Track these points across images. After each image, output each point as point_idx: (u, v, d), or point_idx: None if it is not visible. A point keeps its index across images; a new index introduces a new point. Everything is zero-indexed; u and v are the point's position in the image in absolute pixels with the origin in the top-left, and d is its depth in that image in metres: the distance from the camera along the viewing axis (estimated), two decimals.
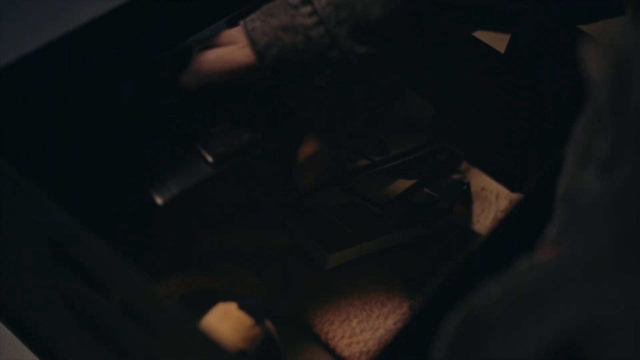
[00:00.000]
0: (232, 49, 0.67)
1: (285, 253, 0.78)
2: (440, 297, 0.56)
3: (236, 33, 0.67)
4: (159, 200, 0.65)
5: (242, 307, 0.64)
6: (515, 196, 0.86)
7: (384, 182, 0.82)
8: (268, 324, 0.66)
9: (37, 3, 0.94)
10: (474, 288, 0.47)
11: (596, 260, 0.42)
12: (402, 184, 0.81)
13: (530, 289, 0.44)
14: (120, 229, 0.67)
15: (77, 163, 0.70)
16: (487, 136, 0.90)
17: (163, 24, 0.76)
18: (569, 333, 0.40)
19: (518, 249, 0.55)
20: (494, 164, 0.90)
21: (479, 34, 0.85)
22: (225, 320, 0.63)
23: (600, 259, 0.42)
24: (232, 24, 0.70)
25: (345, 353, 0.72)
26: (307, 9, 0.64)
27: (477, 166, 0.90)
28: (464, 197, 0.86)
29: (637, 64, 0.43)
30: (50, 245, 0.59)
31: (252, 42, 0.65)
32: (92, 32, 0.69)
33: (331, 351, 0.72)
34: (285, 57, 0.64)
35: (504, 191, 0.88)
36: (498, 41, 0.85)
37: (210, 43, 0.69)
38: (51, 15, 0.92)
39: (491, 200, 0.87)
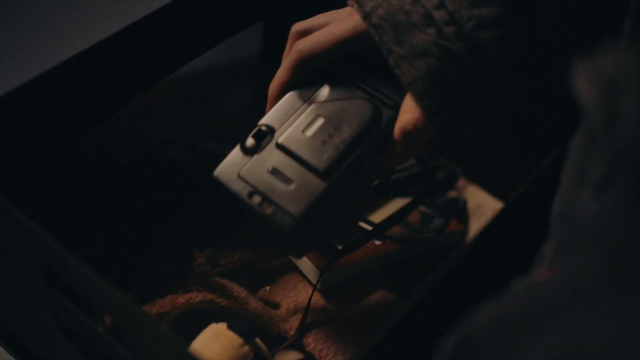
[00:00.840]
0: (337, 22, 0.65)
1: (279, 270, 0.79)
2: (425, 305, 0.57)
3: (333, 13, 0.66)
4: (288, 226, 0.61)
5: (231, 327, 0.65)
6: None
7: (380, 200, 0.83)
8: (259, 342, 0.67)
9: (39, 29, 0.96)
10: (461, 303, 0.48)
11: (587, 286, 0.42)
12: (398, 202, 0.82)
13: (524, 312, 0.45)
14: (112, 252, 0.68)
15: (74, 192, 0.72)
16: (486, 153, 0.90)
17: (163, 49, 0.78)
18: (560, 358, 0.41)
19: (499, 260, 0.56)
20: (492, 181, 0.90)
21: None
22: (216, 341, 0.65)
23: (590, 285, 0.42)
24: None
25: None
26: None
27: (474, 183, 0.91)
28: (461, 214, 0.87)
29: (626, 90, 0.43)
30: (43, 270, 0.60)
31: (359, 5, 0.63)
32: (86, 62, 0.71)
33: None
34: (392, 17, 0.62)
35: (500, 208, 0.89)
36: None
37: (305, 28, 0.66)
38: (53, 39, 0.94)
39: (488, 217, 0.88)
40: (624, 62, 0.44)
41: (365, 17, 0.62)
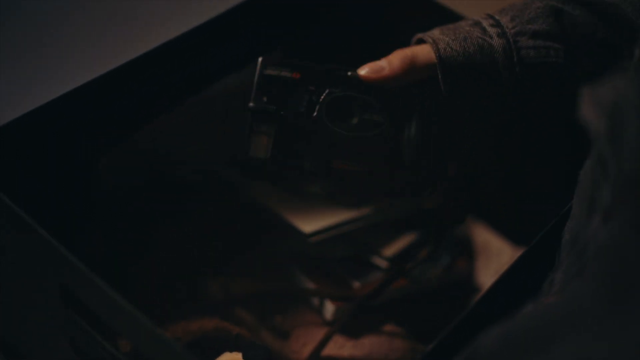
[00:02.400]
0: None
1: (290, 301, 0.78)
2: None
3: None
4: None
5: (247, 357, 0.65)
6: (518, 251, 0.87)
7: (389, 236, 0.83)
8: None
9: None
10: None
11: (589, 307, 0.43)
12: (407, 238, 0.83)
13: (530, 331, 0.45)
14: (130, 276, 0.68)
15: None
16: (493, 191, 0.91)
17: (182, 73, 0.78)
18: None
19: (516, 303, 0.56)
20: (499, 219, 0.91)
21: None
22: None
23: (592, 306, 0.43)
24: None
25: None
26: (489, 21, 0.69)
27: (481, 220, 0.91)
28: (467, 251, 0.87)
29: (629, 116, 0.44)
30: (61, 291, 0.60)
31: (434, 42, 0.67)
32: (106, 85, 0.71)
33: None
34: (458, 46, 0.67)
35: (506, 246, 0.89)
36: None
37: None
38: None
39: (494, 255, 0.88)
40: (629, 89, 0.45)
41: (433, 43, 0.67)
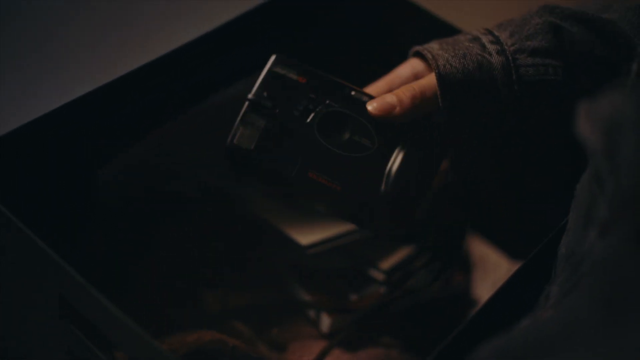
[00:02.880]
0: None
1: (287, 313, 0.79)
2: None
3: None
4: None
5: None
6: (515, 265, 0.87)
7: (386, 248, 0.83)
8: None
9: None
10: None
11: (584, 320, 0.43)
12: (404, 251, 0.83)
13: (525, 346, 0.46)
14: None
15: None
16: (491, 204, 0.91)
17: (180, 86, 0.78)
18: None
19: (512, 318, 0.56)
20: (496, 232, 0.91)
21: None
22: None
23: (587, 319, 0.43)
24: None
25: None
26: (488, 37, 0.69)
27: (478, 234, 0.92)
28: (464, 265, 0.87)
29: (625, 131, 0.44)
30: (59, 302, 0.60)
31: (433, 58, 0.67)
32: (105, 96, 0.71)
33: None
34: (457, 63, 0.67)
35: (503, 260, 0.89)
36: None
37: None
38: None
39: (491, 269, 0.88)
40: (625, 105, 0.45)
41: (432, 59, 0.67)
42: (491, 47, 0.67)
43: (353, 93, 0.68)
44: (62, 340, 0.63)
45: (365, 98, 0.68)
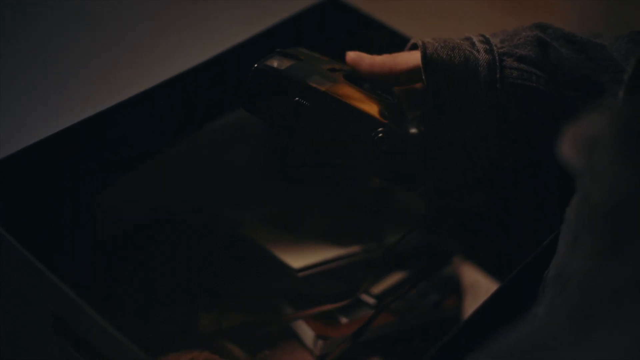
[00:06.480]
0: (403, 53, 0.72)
1: (278, 335, 0.79)
2: None
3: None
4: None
5: None
6: None
7: (377, 273, 0.84)
8: None
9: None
10: None
11: (560, 335, 0.43)
12: (395, 277, 0.84)
13: (508, 354, 0.46)
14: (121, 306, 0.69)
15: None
16: (480, 230, 0.92)
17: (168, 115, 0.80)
18: None
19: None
20: (487, 258, 0.92)
21: None
22: None
23: (558, 331, 0.43)
24: None
25: None
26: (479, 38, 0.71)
27: (469, 260, 0.93)
28: (455, 291, 0.88)
29: (600, 149, 0.45)
30: (53, 319, 0.61)
31: (423, 44, 0.70)
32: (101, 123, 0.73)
33: None
34: (445, 54, 0.69)
35: (495, 286, 0.90)
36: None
37: None
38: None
39: (482, 295, 0.89)
40: (606, 126, 0.46)
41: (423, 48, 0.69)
42: (480, 46, 0.69)
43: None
44: (56, 358, 0.64)
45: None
